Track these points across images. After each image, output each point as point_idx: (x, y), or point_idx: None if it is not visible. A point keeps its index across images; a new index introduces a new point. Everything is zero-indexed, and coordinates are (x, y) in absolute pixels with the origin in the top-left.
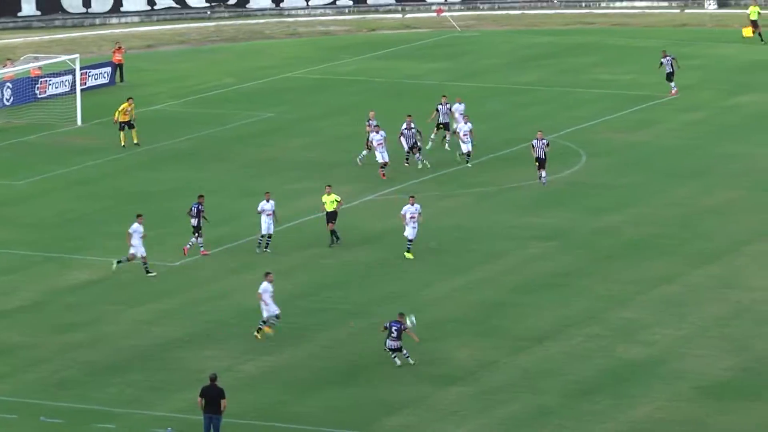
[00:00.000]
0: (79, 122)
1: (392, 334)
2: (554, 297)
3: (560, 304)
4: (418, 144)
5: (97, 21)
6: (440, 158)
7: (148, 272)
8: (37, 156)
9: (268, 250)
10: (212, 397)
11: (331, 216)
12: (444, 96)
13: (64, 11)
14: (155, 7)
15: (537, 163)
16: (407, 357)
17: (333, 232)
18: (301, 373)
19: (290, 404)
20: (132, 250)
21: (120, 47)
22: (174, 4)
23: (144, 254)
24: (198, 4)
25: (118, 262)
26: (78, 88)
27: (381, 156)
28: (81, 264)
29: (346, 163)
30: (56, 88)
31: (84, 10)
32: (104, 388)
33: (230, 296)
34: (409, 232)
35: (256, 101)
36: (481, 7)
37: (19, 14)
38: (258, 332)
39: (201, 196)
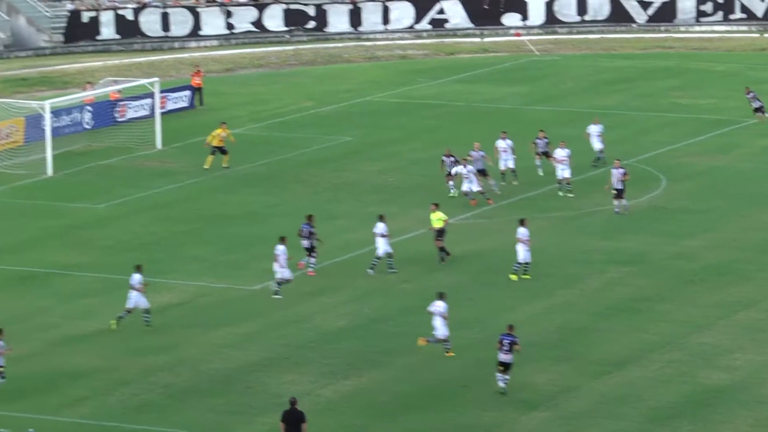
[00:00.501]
0: (158, 146)
1: (503, 348)
2: (634, 322)
3: (640, 329)
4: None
5: (176, 45)
6: (519, 183)
7: (275, 294)
8: (116, 179)
9: (393, 270)
10: (293, 421)
11: (439, 233)
12: (542, 131)
13: (143, 35)
14: (234, 31)
15: (614, 192)
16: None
17: (442, 249)
18: (380, 398)
19: (370, 428)
20: (278, 275)
21: (199, 71)
22: (253, 28)
23: (291, 277)
24: (277, 28)
25: (276, 291)
26: (157, 111)
27: (470, 185)
28: (161, 287)
29: (423, 186)
30: (135, 111)
31: (163, 33)
32: (184, 411)
33: (310, 319)
34: (521, 255)
35: (335, 125)
36: (559, 32)
37: (99, 38)
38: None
39: (310, 217)
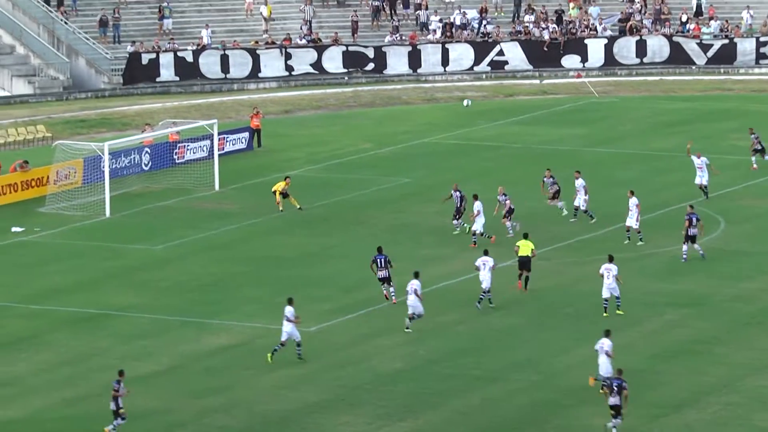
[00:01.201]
0: (216, 187)
1: (613, 390)
2: (692, 364)
3: (697, 371)
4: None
5: (235, 86)
6: (574, 224)
7: (407, 328)
8: (174, 220)
9: (492, 305)
10: None
11: (524, 263)
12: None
13: (203, 77)
14: (293, 73)
15: (688, 239)
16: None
17: (527, 279)
18: None
19: None
20: (411, 310)
21: (258, 112)
22: (312, 70)
23: (423, 312)
24: (336, 70)
25: (407, 326)
26: (216, 153)
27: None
28: (218, 328)
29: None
30: (194, 153)
31: (222, 75)
32: None
33: (366, 361)
34: (605, 291)
35: (393, 166)
36: (618, 73)
37: (158, 79)
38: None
39: (380, 248)
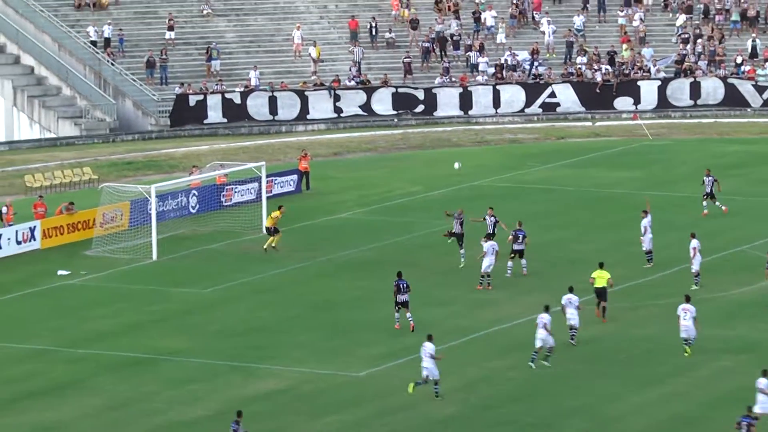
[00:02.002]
0: (264, 230)
1: (741, 430)
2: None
3: None
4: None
5: (284, 128)
6: (628, 269)
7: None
8: (222, 264)
9: (573, 342)
10: None
11: (601, 293)
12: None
13: (251, 118)
14: (342, 115)
15: None
16: None
17: (604, 309)
18: None
19: None
20: (539, 343)
21: (306, 154)
22: (361, 112)
23: (554, 343)
24: (385, 112)
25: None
26: (264, 195)
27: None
28: (266, 373)
29: (533, 273)
30: (242, 195)
31: (270, 117)
32: None
33: (417, 407)
34: (683, 332)
35: (443, 209)
36: (672, 116)
37: (206, 121)
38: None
39: (400, 273)
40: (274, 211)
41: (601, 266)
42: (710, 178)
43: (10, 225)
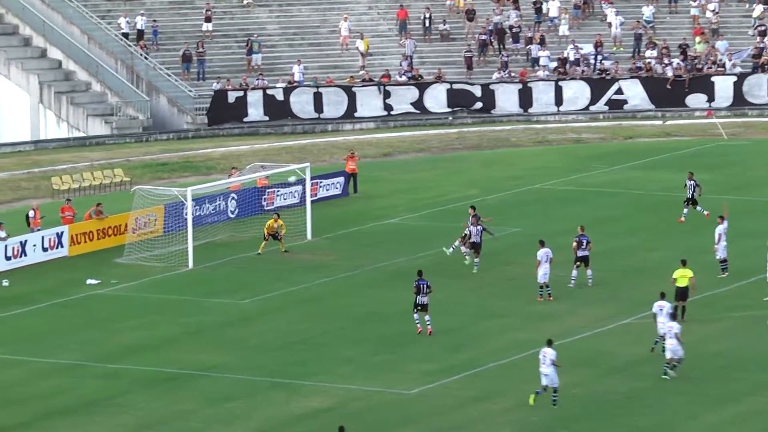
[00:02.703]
0: (308, 236)
1: None
2: None
3: None
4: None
5: (330, 127)
6: (701, 279)
7: (665, 375)
8: (263, 272)
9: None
10: None
11: (682, 293)
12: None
13: (294, 116)
14: (392, 113)
15: None
16: None
17: (683, 309)
18: None
19: None
20: (669, 354)
21: (354, 155)
22: (412, 109)
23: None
24: (439, 110)
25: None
26: (308, 199)
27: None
28: (309, 390)
29: (598, 283)
30: (284, 199)
31: (315, 115)
32: None
33: (470, 427)
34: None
35: (501, 214)
36: (749, 114)
37: (246, 119)
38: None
39: (420, 272)
40: (269, 220)
41: (683, 264)
42: (692, 182)
43: (38, 230)
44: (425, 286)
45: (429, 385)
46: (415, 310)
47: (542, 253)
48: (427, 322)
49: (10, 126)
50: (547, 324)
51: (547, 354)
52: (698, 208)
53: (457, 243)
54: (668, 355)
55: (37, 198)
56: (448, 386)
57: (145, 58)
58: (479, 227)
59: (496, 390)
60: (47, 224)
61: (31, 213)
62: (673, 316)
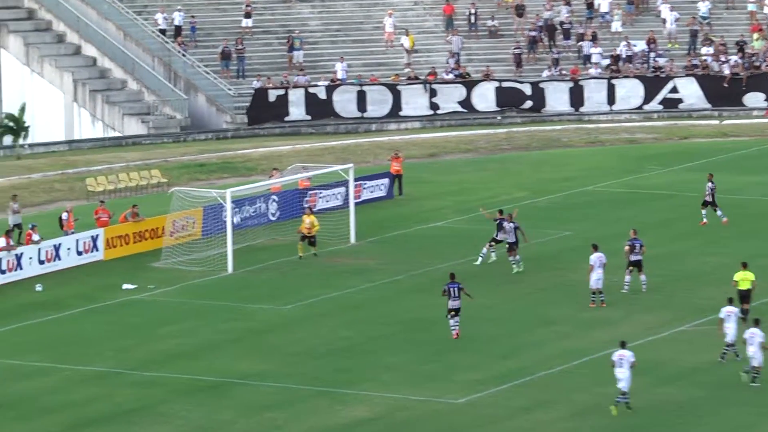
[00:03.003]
0: (352, 240)
1: None
2: None
3: None
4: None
5: (374, 127)
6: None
7: (752, 381)
8: (304, 277)
9: (723, 360)
10: None
11: (745, 296)
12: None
13: (337, 116)
14: (438, 112)
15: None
16: None
17: (745, 312)
18: None
19: None
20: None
21: (399, 156)
22: (460, 108)
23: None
24: (487, 109)
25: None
26: (351, 201)
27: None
28: (353, 399)
29: (653, 289)
30: (327, 201)
31: (359, 114)
32: None
33: None
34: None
35: (552, 218)
36: None
37: (287, 119)
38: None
39: (453, 275)
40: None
41: (744, 266)
42: (712, 184)
43: (72, 232)
44: (456, 289)
45: (477, 394)
46: (449, 315)
47: (595, 257)
48: (456, 325)
49: (43, 125)
50: (600, 331)
51: (625, 356)
52: (718, 212)
53: (485, 250)
54: (754, 363)
55: (71, 200)
56: (497, 395)
57: (183, 55)
58: (512, 224)
59: (546, 399)
60: (82, 227)
61: (65, 215)
62: (756, 322)
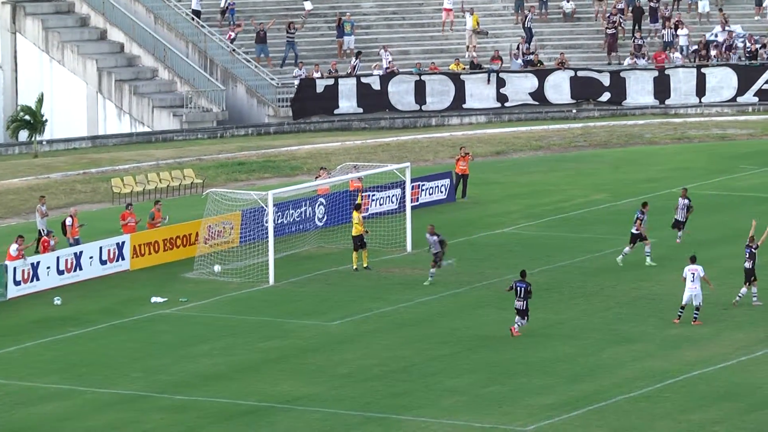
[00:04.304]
0: (408, 248)
1: None
2: None
3: None
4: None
5: (433, 121)
6: None
7: None
8: (355, 289)
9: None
10: None
11: None
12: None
13: (393, 109)
14: (506, 104)
15: None
16: None
17: None
18: None
19: None
20: None
21: (467, 154)
22: (530, 100)
23: None
24: (561, 101)
25: None
26: (408, 204)
27: None
28: (409, 426)
29: (746, 303)
30: (381, 204)
31: (417, 107)
32: None
33: None
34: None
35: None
36: None
37: (337, 111)
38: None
39: (523, 273)
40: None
41: None
42: (686, 200)
43: (75, 239)
44: (523, 289)
45: (547, 420)
46: (518, 317)
47: (687, 269)
48: (516, 323)
49: (64, 119)
50: (685, 350)
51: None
52: (680, 233)
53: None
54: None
55: (95, 203)
56: (569, 422)
57: (221, 40)
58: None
59: (626, 427)
60: (105, 233)
61: (69, 220)
62: None
